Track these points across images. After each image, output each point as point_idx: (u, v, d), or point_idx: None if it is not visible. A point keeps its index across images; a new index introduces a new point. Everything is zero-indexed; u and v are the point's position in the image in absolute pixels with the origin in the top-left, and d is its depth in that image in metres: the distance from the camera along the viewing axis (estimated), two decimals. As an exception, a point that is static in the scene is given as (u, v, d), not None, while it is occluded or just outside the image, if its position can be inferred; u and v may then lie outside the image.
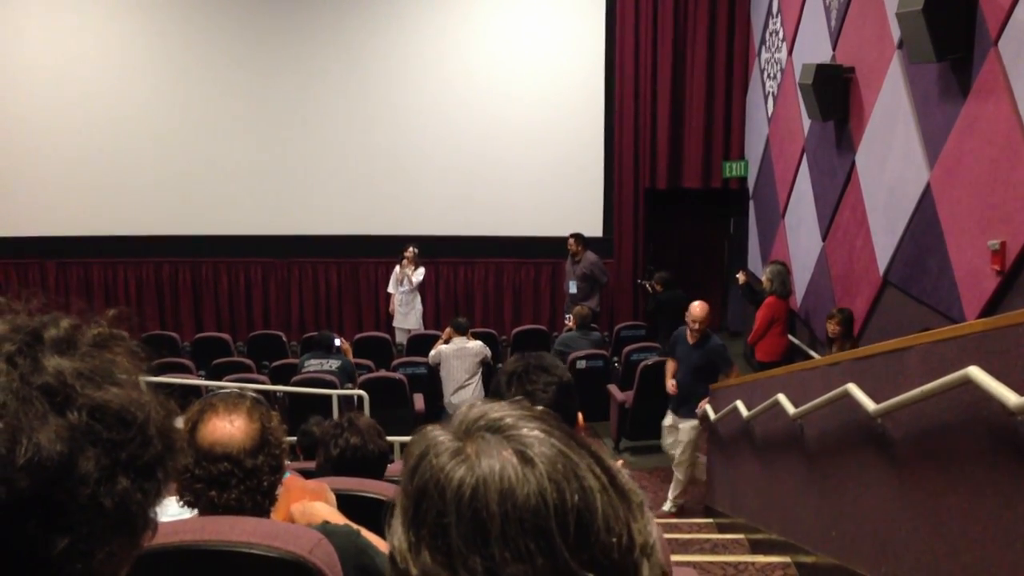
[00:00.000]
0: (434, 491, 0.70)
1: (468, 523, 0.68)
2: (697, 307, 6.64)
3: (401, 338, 9.89)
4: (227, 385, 6.86)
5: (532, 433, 0.72)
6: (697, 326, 6.59)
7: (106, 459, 0.72)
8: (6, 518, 0.66)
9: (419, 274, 9.82)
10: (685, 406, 6.84)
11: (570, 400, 2.09)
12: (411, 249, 9.76)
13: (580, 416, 2.16)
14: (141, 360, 0.82)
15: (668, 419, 7.01)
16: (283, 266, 11.01)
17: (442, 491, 0.70)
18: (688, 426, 6.79)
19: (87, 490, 0.70)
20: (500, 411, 0.76)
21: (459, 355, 7.94)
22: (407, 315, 9.94)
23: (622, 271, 10.87)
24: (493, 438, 0.72)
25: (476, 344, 8.04)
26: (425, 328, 10.04)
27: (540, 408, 0.79)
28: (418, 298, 10.00)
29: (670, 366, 6.99)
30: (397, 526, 0.74)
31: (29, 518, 0.67)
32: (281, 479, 1.89)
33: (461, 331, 8.06)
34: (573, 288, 9.81)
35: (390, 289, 10.09)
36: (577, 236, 9.85)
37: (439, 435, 0.75)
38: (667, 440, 7.06)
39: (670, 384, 6.91)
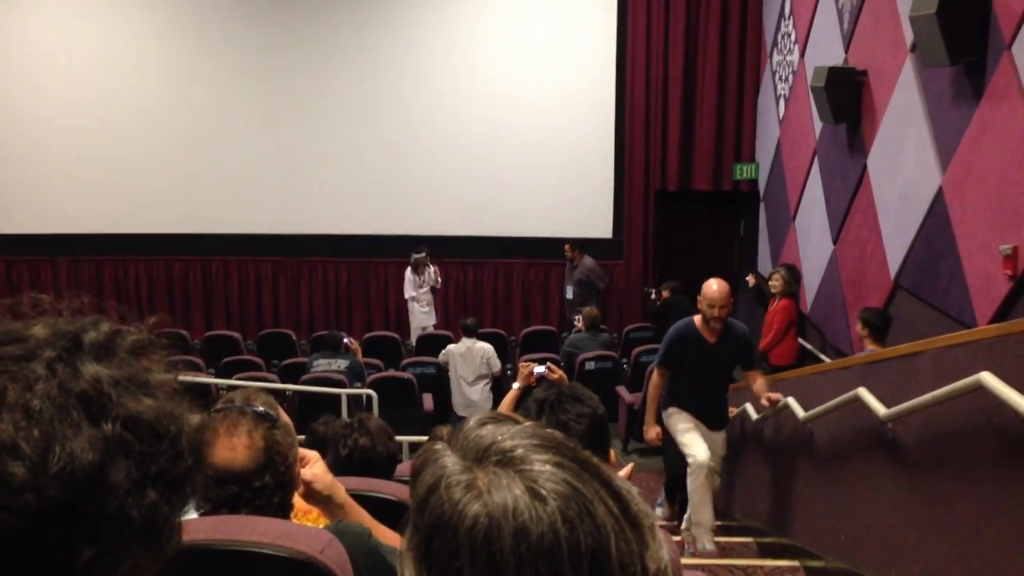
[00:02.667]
0: (447, 529, 0.69)
1: (482, 566, 0.67)
2: (716, 285, 4.92)
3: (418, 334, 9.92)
4: (237, 384, 6.87)
5: (544, 468, 0.70)
6: (717, 311, 4.86)
7: (136, 471, 0.72)
8: (34, 525, 0.66)
9: (434, 270, 9.93)
10: (716, 420, 5.35)
11: (603, 433, 2.03)
12: (424, 252, 9.80)
13: (612, 453, 2.05)
14: (177, 369, 0.82)
15: (686, 423, 5.27)
16: (293, 265, 11.04)
17: (455, 530, 0.68)
18: (721, 437, 5.40)
19: (116, 501, 0.70)
20: (511, 439, 0.74)
21: (466, 355, 7.94)
22: (430, 313, 9.99)
23: (632, 272, 10.86)
24: (504, 473, 0.70)
25: (484, 345, 8.03)
26: (436, 328, 10.06)
27: (550, 432, 0.76)
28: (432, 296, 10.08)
29: (655, 392, 5.24)
30: (408, 560, 0.73)
31: (56, 526, 0.67)
32: (292, 492, 1.88)
33: (468, 332, 8.06)
34: (570, 293, 9.84)
35: (411, 293, 9.93)
36: (573, 242, 9.86)
37: (448, 463, 0.73)
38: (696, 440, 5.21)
39: (653, 433, 5.30)
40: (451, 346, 8.14)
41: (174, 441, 0.75)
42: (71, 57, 10.56)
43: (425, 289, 9.87)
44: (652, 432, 5.32)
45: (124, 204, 10.73)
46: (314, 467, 1.98)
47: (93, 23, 10.59)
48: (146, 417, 0.73)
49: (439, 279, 9.94)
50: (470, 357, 7.94)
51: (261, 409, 1.84)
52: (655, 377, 5.27)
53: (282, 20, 10.70)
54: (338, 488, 1.99)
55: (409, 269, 9.85)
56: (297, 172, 10.85)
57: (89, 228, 10.73)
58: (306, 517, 2.15)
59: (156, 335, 0.82)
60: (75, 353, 0.74)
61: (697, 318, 5.06)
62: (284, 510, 1.86)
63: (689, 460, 5.12)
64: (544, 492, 0.68)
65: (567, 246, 9.83)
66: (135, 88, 10.64)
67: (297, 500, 2.16)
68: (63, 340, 0.74)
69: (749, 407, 5.76)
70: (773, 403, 4.97)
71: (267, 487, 1.79)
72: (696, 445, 5.11)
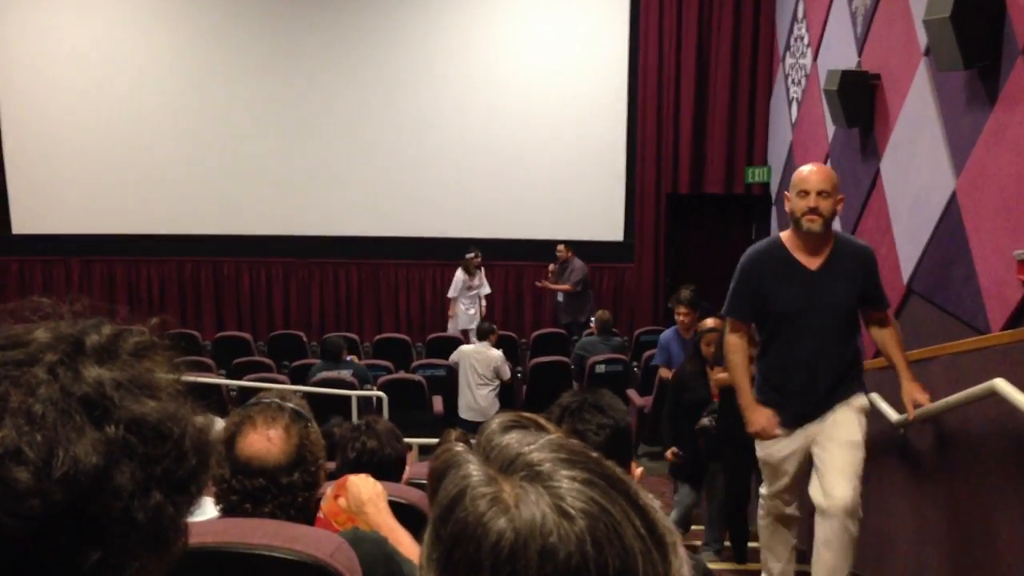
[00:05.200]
0: (470, 542, 0.67)
1: None
2: (813, 165, 3.40)
3: (460, 336, 9.96)
4: (248, 385, 6.89)
5: (572, 485, 0.68)
6: (813, 200, 3.17)
7: (141, 473, 0.72)
8: (40, 530, 0.67)
9: (482, 273, 10.09)
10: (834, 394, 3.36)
11: (624, 447, 1.98)
12: (478, 255, 9.95)
13: (635, 467, 1.99)
14: (180, 370, 0.82)
15: (784, 445, 3.41)
16: (304, 266, 11.06)
17: (478, 544, 0.67)
18: (854, 405, 3.33)
19: (120, 504, 0.70)
20: (538, 452, 0.71)
21: (476, 357, 7.92)
22: (474, 316, 10.04)
23: (643, 276, 10.84)
24: (531, 488, 0.68)
25: (495, 353, 8.01)
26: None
27: (578, 445, 0.74)
28: (480, 297, 10.16)
29: (740, 358, 3.44)
30: (429, 572, 0.72)
31: (63, 531, 0.68)
32: (316, 496, 1.90)
33: (481, 336, 8.04)
34: (560, 296, 9.93)
35: (453, 294, 10.12)
36: (566, 243, 9.95)
37: (472, 471, 0.72)
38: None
39: (763, 419, 3.37)
40: (464, 347, 8.13)
41: (178, 442, 0.75)
42: (85, 59, 10.61)
43: (474, 292, 10.00)
44: (762, 417, 3.35)
45: (136, 205, 10.77)
46: (365, 480, 2.09)
47: (107, 26, 10.63)
48: (149, 419, 0.73)
49: (480, 281, 10.04)
50: (478, 360, 7.92)
51: (299, 408, 1.89)
52: (732, 339, 3.48)
53: (294, 22, 10.72)
54: (372, 509, 2.04)
55: (460, 270, 9.95)
56: (309, 174, 10.87)
57: (101, 229, 10.77)
58: (335, 519, 2.18)
59: (158, 336, 0.82)
60: (77, 356, 0.74)
61: (784, 233, 3.39)
62: (306, 512, 1.87)
63: (816, 501, 3.27)
64: (572, 511, 0.66)
65: (561, 246, 9.85)
66: (148, 90, 10.68)
67: (331, 506, 2.19)
68: (65, 344, 0.75)
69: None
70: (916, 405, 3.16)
71: (295, 485, 1.81)
72: (814, 484, 3.28)
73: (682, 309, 6.42)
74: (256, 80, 10.77)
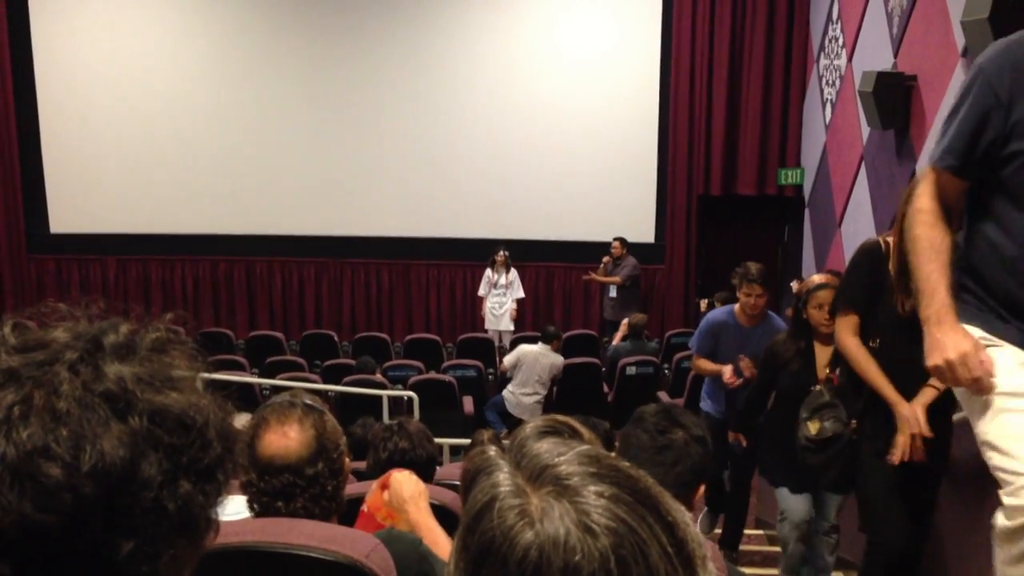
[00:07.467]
0: (497, 556, 0.67)
1: None
2: None
3: (494, 337, 10.02)
4: (280, 384, 6.95)
5: (599, 502, 0.67)
6: None
7: (168, 463, 0.73)
8: (73, 523, 0.68)
9: (512, 275, 10.05)
10: None
11: (702, 464, 1.89)
12: (502, 252, 9.94)
13: (702, 488, 1.94)
14: (199, 363, 0.83)
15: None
16: (335, 266, 11.14)
17: (504, 559, 0.66)
18: None
19: (150, 494, 0.72)
20: (567, 465, 0.71)
21: (538, 359, 7.91)
22: (500, 317, 10.06)
23: (674, 277, 10.79)
24: (558, 504, 0.67)
25: (556, 360, 7.96)
26: (514, 329, 10.07)
27: (609, 458, 0.73)
28: (510, 299, 10.11)
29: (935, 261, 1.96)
30: None
31: (95, 523, 0.69)
32: (344, 481, 1.92)
33: (547, 339, 8.02)
34: (613, 292, 9.88)
35: (481, 292, 10.21)
36: (622, 239, 9.90)
37: (502, 479, 0.71)
38: None
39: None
40: (525, 347, 8.11)
41: (202, 431, 0.77)
42: (122, 62, 10.76)
43: (499, 291, 10.00)
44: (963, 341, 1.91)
45: (171, 205, 10.91)
46: (408, 478, 2.12)
47: (144, 28, 10.78)
48: (172, 409, 0.75)
49: (507, 281, 10.01)
50: (539, 361, 7.89)
51: (309, 401, 1.91)
52: (920, 228, 2.06)
53: (328, 26, 10.80)
54: (412, 508, 2.06)
55: (488, 268, 10.05)
56: (341, 175, 10.95)
57: (137, 228, 10.93)
58: (377, 512, 2.20)
59: (175, 332, 0.84)
60: (97, 354, 0.76)
61: None
62: (337, 500, 1.89)
63: None
64: (597, 528, 0.66)
65: (616, 242, 9.82)
66: (184, 92, 10.81)
67: (375, 499, 2.22)
68: (84, 342, 0.76)
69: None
70: None
71: (320, 475, 1.83)
72: None
73: (756, 289, 4.84)
74: (289, 83, 10.86)
